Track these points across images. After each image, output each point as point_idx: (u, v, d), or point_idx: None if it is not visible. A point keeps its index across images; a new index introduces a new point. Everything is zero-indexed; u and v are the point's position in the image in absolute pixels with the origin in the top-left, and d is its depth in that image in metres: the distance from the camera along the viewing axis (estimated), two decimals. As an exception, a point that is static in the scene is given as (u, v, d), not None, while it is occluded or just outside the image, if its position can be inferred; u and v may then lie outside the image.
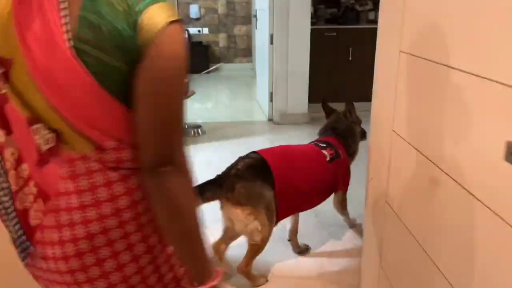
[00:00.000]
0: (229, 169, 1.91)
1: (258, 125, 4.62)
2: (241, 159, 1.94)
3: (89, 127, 0.78)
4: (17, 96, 0.79)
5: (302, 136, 4.08)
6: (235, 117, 4.90)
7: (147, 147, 0.78)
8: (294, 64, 4.34)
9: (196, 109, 5.23)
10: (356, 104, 2.47)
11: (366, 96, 1.84)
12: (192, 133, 4.19)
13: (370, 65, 1.65)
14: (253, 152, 1.99)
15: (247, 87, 6.68)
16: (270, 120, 4.63)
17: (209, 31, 7.25)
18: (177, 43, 0.76)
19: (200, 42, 7.07)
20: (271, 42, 4.34)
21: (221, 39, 7.41)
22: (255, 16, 5.07)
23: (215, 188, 1.83)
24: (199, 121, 4.60)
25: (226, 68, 7.69)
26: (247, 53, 7.71)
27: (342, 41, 4.68)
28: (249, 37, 7.51)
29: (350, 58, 4.69)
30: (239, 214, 1.83)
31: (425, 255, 1.24)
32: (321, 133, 2.41)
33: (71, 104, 0.76)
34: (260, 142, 3.95)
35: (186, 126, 4.31)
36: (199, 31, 7.10)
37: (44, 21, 0.73)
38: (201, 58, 7.01)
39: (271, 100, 4.55)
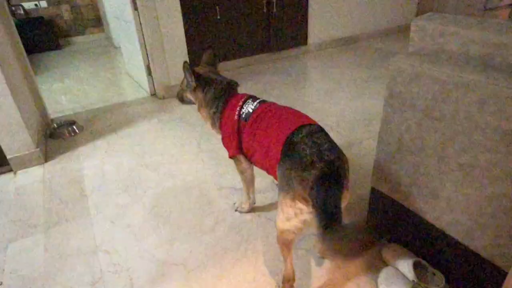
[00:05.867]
0: (320, 153, 1.37)
1: (142, 104, 4.08)
2: (310, 136, 1.45)
3: None
4: None
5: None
6: (111, 99, 4.27)
7: None
8: (168, 29, 3.94)
9: (60, 99, 4.47)
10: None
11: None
12: (67, 133, 3.46)
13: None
14: (305, 125, 1.52)
15: (109, 60, 5.99)
16: (153, 95, 4.22)
17: (48, 3, 6.20)
18: None
19: (42, 18, 6.04)
20: (135, 8, 3.84)
21: (64, 12, 6.42)
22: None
23: (337, 188, 1.31)
24: (67, 113, 3.93)
25: (77, 41, 6.81)
26: (97, 23, 6.87)
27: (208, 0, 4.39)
28: (94, 6, 6.66)
29: (218, 17, 4.44)
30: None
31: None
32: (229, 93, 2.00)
33: None
34: (151, 127, 3.56)
35: (56, 126, 3.61)
36: (36, 5, 6.02)
37: None
38: (46, 34, 6.08)
39: (149, 73, 4.11)
